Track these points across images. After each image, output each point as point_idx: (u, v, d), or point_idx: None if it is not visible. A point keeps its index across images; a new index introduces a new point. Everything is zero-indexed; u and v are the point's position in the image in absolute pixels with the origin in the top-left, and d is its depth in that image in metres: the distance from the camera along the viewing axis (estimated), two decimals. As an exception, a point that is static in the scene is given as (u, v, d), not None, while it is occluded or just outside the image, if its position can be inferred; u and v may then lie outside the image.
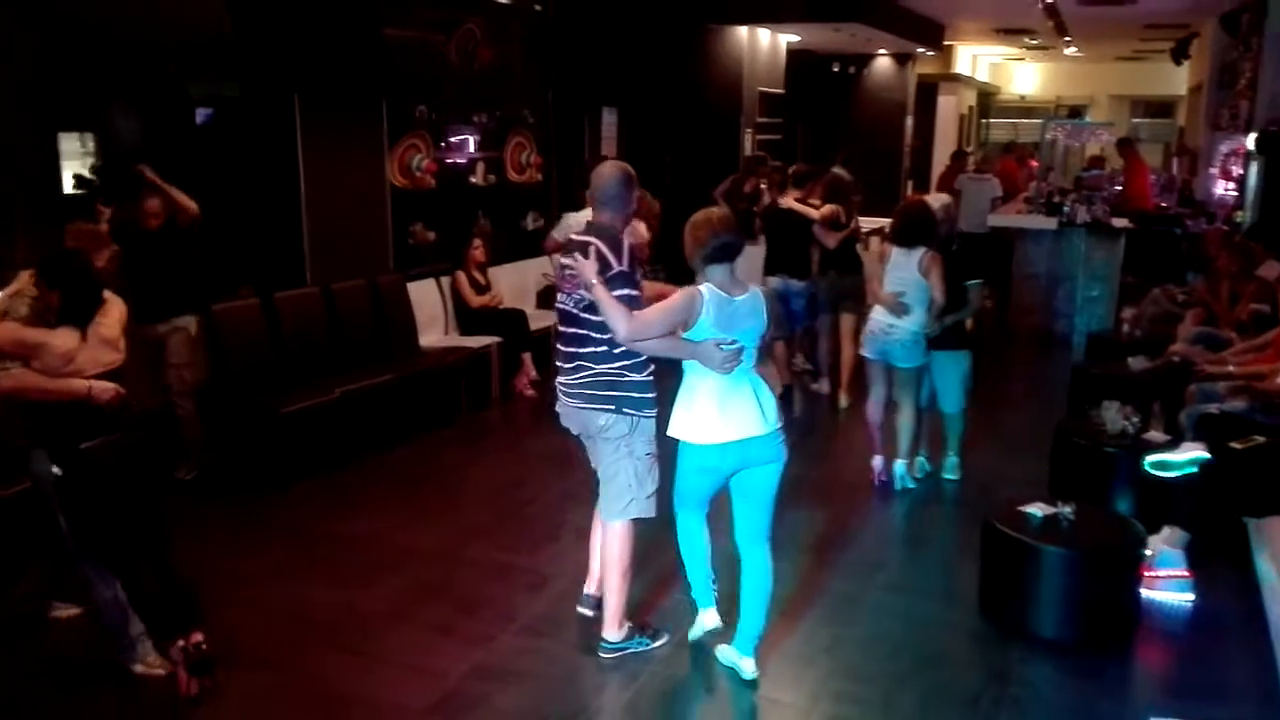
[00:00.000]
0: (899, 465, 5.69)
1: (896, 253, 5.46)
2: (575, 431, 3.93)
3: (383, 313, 6.98)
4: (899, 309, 5.39)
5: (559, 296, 3.81)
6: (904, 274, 5.40)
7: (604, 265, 3.55)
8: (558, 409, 3.88)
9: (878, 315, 5.53)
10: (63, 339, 3.61)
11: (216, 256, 6.49)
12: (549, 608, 4.35)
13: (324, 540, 4.99)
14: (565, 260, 3.72)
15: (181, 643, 3.64)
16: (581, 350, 3.72)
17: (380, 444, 6.28)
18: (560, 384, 3.83)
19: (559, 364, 3.84)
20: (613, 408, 3.71)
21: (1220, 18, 11.47)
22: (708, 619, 3.94)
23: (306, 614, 4.24)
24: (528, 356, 7.68)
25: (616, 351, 3.64)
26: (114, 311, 3.82)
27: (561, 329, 3.82)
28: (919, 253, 5.35)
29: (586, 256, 3.55)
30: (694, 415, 3.59)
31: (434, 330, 7.49)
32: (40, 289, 3.66)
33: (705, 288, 3.51)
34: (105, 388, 3.65)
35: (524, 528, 5.21)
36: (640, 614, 4.14)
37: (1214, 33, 12.48)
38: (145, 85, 5.96)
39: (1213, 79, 12.75)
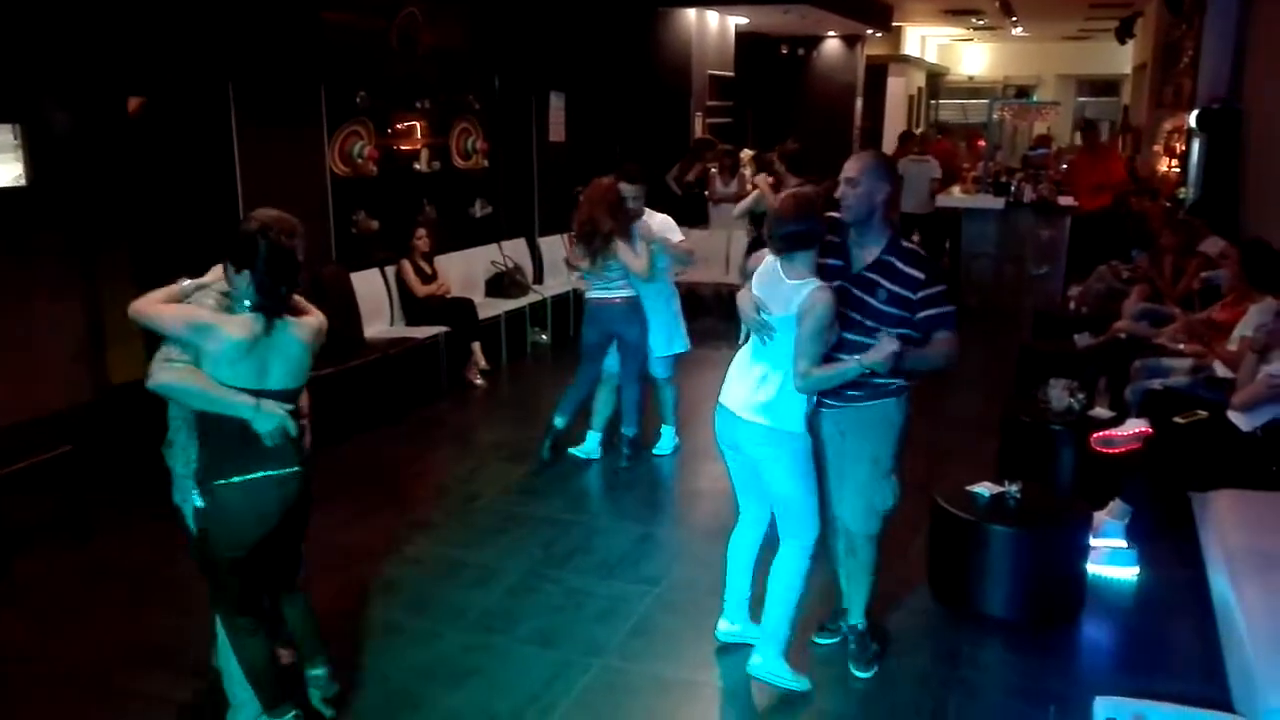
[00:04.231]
0: None
1: None
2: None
3: (325, 304, 6.74)
4: None
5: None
6: None
7: None
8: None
9: None
10: (237, 326, 2.99)
11: (152, 250, 6.32)
12: (498, 603, 4.28)
13: (267, 539, 4.87)
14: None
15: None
16: None
17: (325, 439, 6.11)
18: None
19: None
20: None
21: (1163, -4, 11.59)
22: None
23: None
24: (477, 346, 7.59)
25: None
26: (310, 321, 3.17)
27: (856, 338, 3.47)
28: None
29: None
30: None
31: (379, 321, 7.36)
32: (227, 274, 3.11)
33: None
34: (271, 413, 3.05)
35: (472, 522, 5.13)
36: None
37: (1158, 11, 12.63)
38: (74, 74, 5.76)
39: (1156, 57, 12.91)
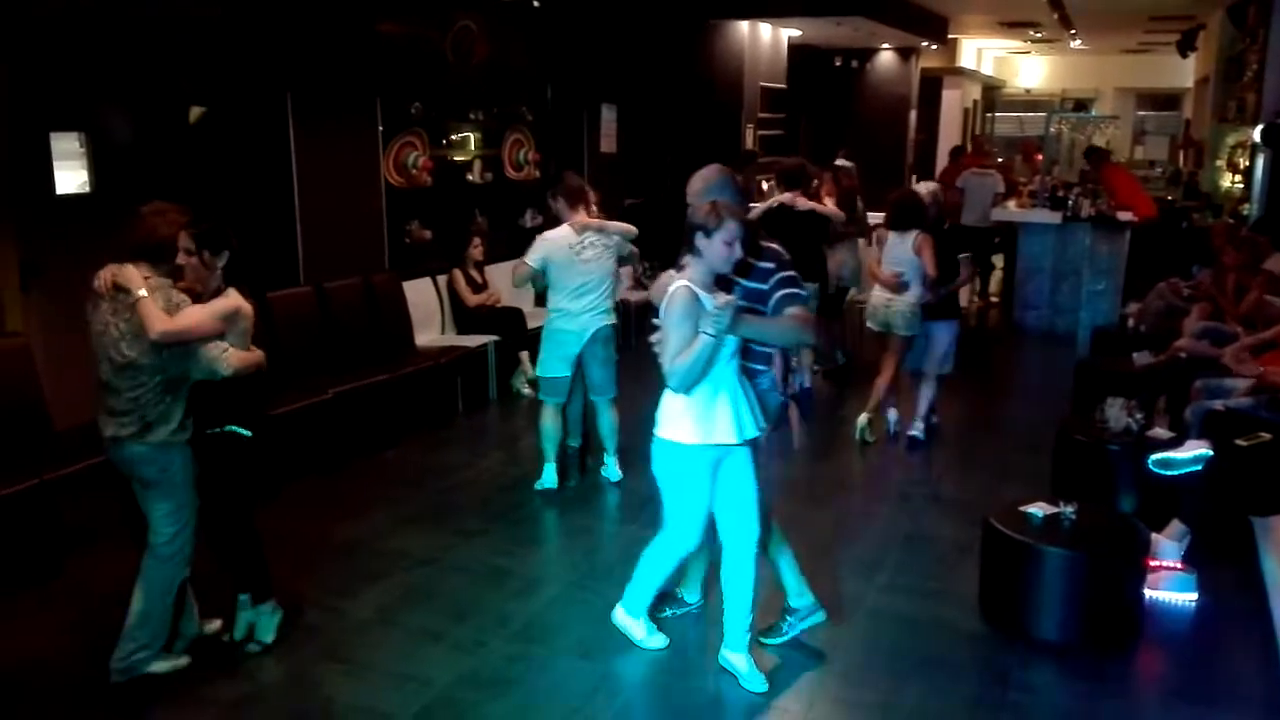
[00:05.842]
0: (862, 417, 6.34)
1: (892, 237, 6.14)
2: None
3: (377, 312, 6.93)
4: (899, 287, 6.05)
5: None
6: (900, 254, 6.08)
7: None
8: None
9: (877, 292, 6.25)
10: (245, 302, 3.57)
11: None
12: (541, 612, 4.28)
13: (313, 544, 4.92)
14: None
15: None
16: None
17: (374, 445, 6.22)
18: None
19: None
20: None
21: (1227, 10, 11.37)
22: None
23: (293, 620, 4.16)
24: (525, 355, 7.61)
25: None
26: None
27: None
28: (912, 235, 6.04)
29: None
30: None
31: (430, 329, 7.43)
32: (200, 258, 3.51)
33: None
34: (262, 356, 3.68)
35: (517, 531, 5.14)
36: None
37: (1221, 25, 12.36)
38: (138, 83, 5.89)
39: (1219, 71, 12.63)
